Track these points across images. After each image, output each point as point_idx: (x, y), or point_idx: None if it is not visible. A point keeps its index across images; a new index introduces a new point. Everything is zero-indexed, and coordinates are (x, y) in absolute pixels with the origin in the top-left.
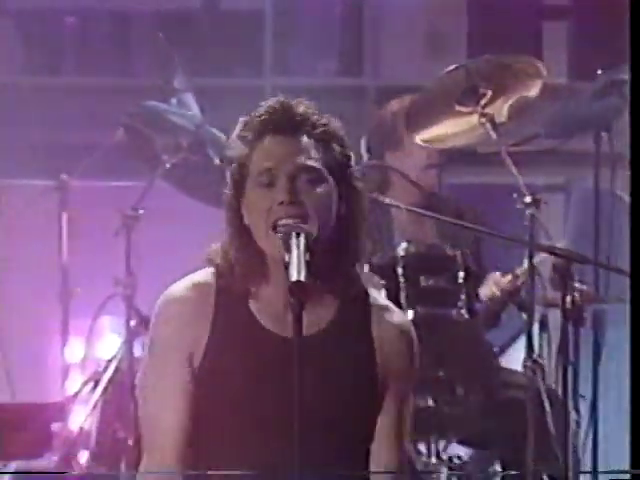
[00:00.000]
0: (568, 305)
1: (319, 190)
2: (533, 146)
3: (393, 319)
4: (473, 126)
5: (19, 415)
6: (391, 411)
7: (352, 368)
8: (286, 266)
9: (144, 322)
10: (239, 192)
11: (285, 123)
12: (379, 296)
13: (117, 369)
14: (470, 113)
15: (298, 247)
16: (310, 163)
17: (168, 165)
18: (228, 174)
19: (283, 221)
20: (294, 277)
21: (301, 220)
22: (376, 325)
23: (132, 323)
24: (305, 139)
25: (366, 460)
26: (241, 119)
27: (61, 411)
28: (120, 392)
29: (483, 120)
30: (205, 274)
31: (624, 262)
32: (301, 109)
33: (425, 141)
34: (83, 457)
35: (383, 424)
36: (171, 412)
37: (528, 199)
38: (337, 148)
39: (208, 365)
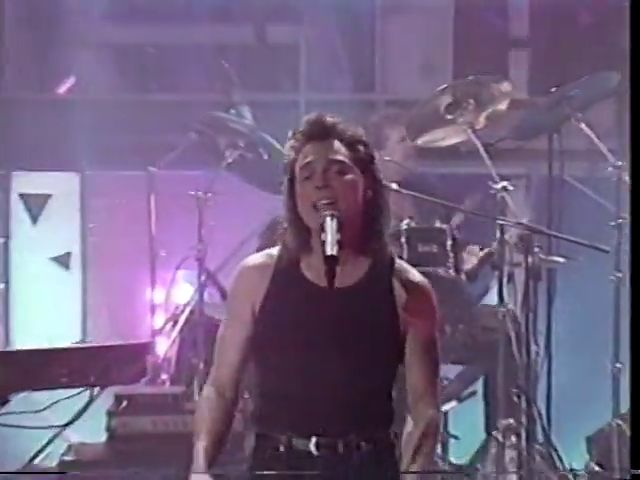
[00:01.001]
0: (529, 265)
1: (346, 178)
2: (503, 145)
3: (410, 278)
4: (458, 130)
5: (122, 352)
6: (418, 347)
7: (376, 313)
8: (322, 243)
9: (211, 277)
10: (292, 189)
11: (319, 131)
12: (403, 262)
13: (191, 311)
14: (456, 121)
15: (331, 228)
16: (338, 158)
17: (229, 160)
18: (285, 178)
19: (320, 202)
20: (328, 252)
21: (333, 200)
22: (397, 283)
23: (202, 277)
24: (336, 142)
25: (389, 376)
26: (290, 133)
27: (152, 347)
28: (193, 328)
29: (465, 126)
30: (272, 250)
31: (572, 233)
32: (330, 120)
33: (424, 142)
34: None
35: (413, 356)
36: (234, 339)
37: (500, 185)
38: (362, 149)
39: (264, 309)
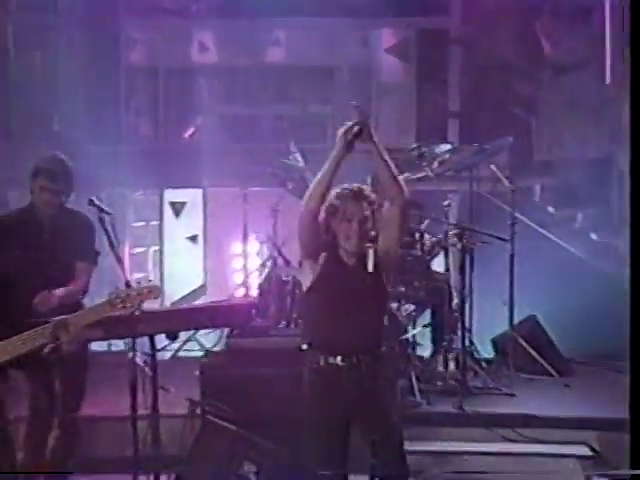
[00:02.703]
0: (462, 246)
1: (367, 225)
2: (446, 174)
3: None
4: (422, 170)
5: (237, 306)
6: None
7: (374, 281)
8: (365, 264)
9: (280, 252)
10: (329, 220)
11: (356, 195)
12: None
13: (268, 273)
14: (421, 165)
15: (372, 256)
16: (366, 214)
17: (290, 187)
18: (328, 210)
19: (353, 232)
20: (370, 269)
21: (360, 235)
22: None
23: (275, 253)
24: (364, 203)
25: (382, 318)
26: (335, 191)
27: (254, 305)
28: (269, 282)
29: (427, 168)
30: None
31: (484, 227)
32: (363, 189)
33: (404, 178)
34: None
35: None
36: (305, 277)
37: (446, 202)
38: (375, 207)
39: (320, 272)
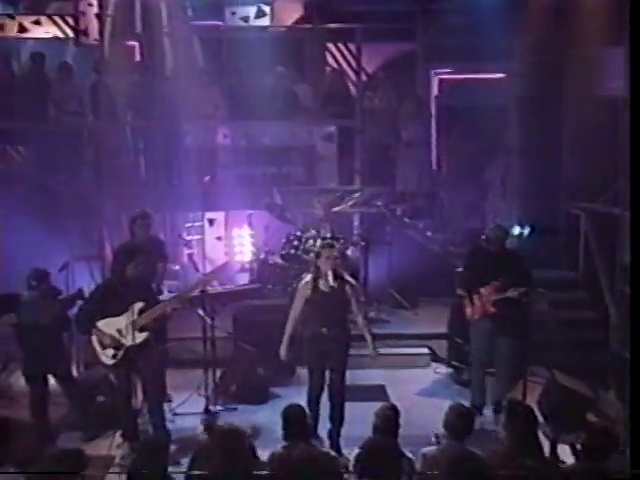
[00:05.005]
0: (364, 244)
1: (337, 261)
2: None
3: (350, 281)
4: (343, 205)
5: (247, 290)
6: (356, 303)
7: (343, 296)
8: (327, 280)
9: (269, 248)
10: (317, 258)
11: (329, 244)
12: (346, 275)
13: (262, 259)
14: (341, 202)
15: (331, 275)
16: (336, 254)
17: (274, 214)
18: (316, 254)
19: (332, 269)
20: (331, 284)
21: (335, 268)
22: (346, 284)
23: (265, 248)
24: (333, 249)
25: (348, 312)
26: (320, 240)
27: (258, 289)
28: (262, 265)
29: (345, 204)
30: (310, 274)
31: (375, 232)
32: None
33: (334, 210)
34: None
35: (355, 307)
36: (297, 304)
37: (356, 222)
38: (341, 251)
39: (310, 296)
